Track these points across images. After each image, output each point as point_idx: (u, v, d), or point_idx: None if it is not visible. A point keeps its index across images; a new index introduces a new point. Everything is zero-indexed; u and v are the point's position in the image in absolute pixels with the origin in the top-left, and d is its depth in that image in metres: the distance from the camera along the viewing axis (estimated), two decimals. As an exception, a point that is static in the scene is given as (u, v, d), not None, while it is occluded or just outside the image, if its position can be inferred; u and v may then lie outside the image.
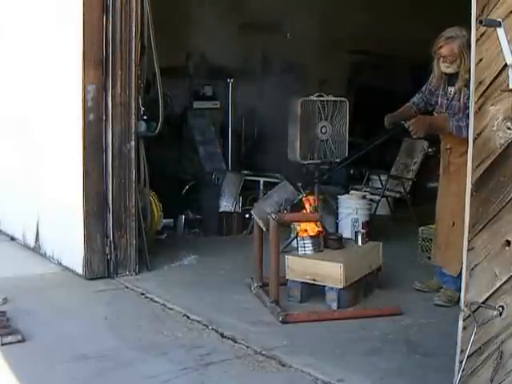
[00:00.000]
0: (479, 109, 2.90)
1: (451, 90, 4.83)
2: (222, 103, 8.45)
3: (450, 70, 4.77)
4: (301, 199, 5.52)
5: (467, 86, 4.61)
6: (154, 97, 5.90)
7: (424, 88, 5.10)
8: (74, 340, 4.29)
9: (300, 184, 6.37)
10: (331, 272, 4.86)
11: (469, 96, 4.50)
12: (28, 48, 6.39)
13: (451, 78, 4.81)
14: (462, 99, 4.71)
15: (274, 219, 4.86)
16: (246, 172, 7.84)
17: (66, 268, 5.86)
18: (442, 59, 4.76)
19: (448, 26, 4.79)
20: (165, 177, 7.08)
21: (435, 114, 5.02)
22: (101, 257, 5.65)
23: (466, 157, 3.07)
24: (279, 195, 5.15)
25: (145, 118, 5.77)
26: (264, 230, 5.08)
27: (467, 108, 4.51)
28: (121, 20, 5.50)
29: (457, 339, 3.05)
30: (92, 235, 5.60)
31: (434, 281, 5.20)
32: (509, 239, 2.81)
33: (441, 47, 4.72)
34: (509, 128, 2.79)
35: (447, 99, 4.87)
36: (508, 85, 2.76)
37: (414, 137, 5.10)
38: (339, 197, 7.03)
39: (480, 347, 2.92)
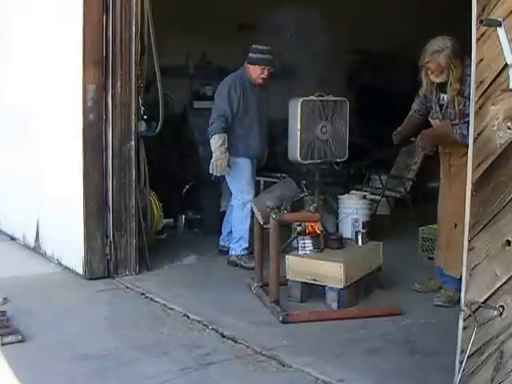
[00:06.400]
0: (480, 108, 2.90)
1: (444, 96, 4.80)
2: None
3: (439, 80, 4.72)
4: (303, 198, 5.52)
5: (460, 94, 4.62)
6: (154, 97, 5.90)
7: (420, 92, 5.08)
8: (74, 340, 4.29)
9: (304, 182, 6.41)
10: (331, 272, 4.85)
11: (464, 104, 4.56)
12: (28, 48, 6.39)
13: (442, 86, 4.78)
14: (456, 106, 4.68)
15: (274, 219, 4.85)
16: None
17: (66, 268, 5.86)
18: (429, 71, 4.73)
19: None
20: (165, 177, 7.08)
21: (431, 120, 5.00)
22: (101, 257, 5.65)
23: (466, 158, 3.07)
24: (281, 191, 5.14)
25: (145, 117, 5.77)
26: (261, 222, 5.07)
27: (465, 115, 4.55)
28: (121, 20, 5.50)
29: (457, 339, 3.05)
30: (92, 235, 5.60)
31: (433, 281, 5.20)
32: (509, 239, 2.81)
33: (427, 62, 4.69)
34: (509, 128, 2.79)
35: (440, 106, 4.85)
36: (508, 85, 2.76)
37: (424, 153, 5.10)
38: (339, 197, 7.03)
39: (480, 347, 2.92)
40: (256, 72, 5.94)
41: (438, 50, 4.61)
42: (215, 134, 5.82)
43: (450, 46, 4.58)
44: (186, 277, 5.77)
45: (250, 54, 5.97)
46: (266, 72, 5.95)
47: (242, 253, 6.00)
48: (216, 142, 5.80)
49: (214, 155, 5.82)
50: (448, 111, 4.77)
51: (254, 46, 6.00)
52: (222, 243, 6.41)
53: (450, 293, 4.86)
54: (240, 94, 5.94)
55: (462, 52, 4.58)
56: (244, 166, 6.04)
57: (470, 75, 4.37)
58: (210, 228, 7.03)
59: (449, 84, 4.66)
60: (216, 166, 5.81)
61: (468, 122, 4.40)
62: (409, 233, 6.66)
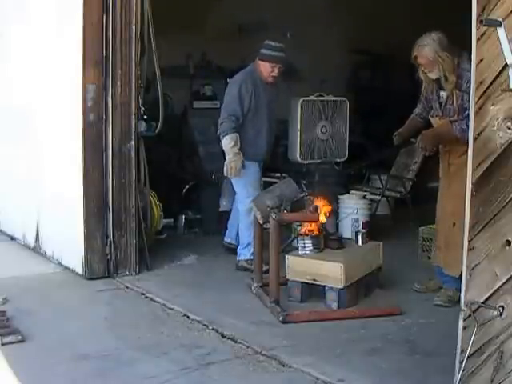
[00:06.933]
0: (480, 108, 2.90)
1: (443, 94, 4.83)
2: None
3: (433, 75, 4.79)
4: (303, 197, 5.51)
5: (457, 87, 4.65)
6: (154, 97, 5.90)
7: (421, 96, 5.11)
8: (74, 340, 4.29)
9: (304, 182, 6.39)
10: (331, 272, 4.85)
11: (462, 98, 4.58)
12: (28, 48, 6.39)
13: (440, 83, 4.81)
14: (455, 102, 4.71)
15: (274, 219, 4.85)
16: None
17: (66, 268, 5.87)
18: (422, 67, 4.79)
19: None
20: (165, 177, 7.08)
21: (431, 119, 5.01)
22: (101, 257, 5.65)
23: (465, 157, 3.08)
24: (281, 191, 5.14)
25: (145, 117, 5.77)
26: (261, 222, 5.07)
27: (464, 109, 4.56)
28: (121, 20, 5.50)
29: (457, 339, 3.05)
30: (92, 235, 5.60)
31: (433, 282, 5.20)
32: (509, 239, 2.81)
33: (416, 57, 4.76)
34: (509, 128, 2.79)
35: (440, 103, 4.87)
36: (508, 85, 2.76)
37: (426, 155, 5.11)
38: (339, 197, 7.03)
39: (480, 347, 2.92)
40: (267, 69, 5.74)
41: (424, 43, 4.72)
42: (227, 134, 5.61)
43: (436, 39, 4.68)
44: (186, 277, 5.77)
45: (262, 50, 5.76)
46: (276, 70, 5.75)
47: (252, 257, 5.66)
48: (228, 143, 5.60)
49: (227, 157, 5.62)
50: (447, 108, 4.79)
51: (266, 41, 5.80)
52: (228, 240, 6.26)
53: (450, 293, 4.86)
54: (252, 92, 5.73)
55: (451, 46, 4.65)
56: (252, 170, 5.82)
57: (468, 70, 4.42)
58: (210, 228, 7.04)
59: (443, 78, 4.70)
60: (230, 168, 5.60)
61: (467, 117, 4.44)
62: (409, 233, 6.66)
